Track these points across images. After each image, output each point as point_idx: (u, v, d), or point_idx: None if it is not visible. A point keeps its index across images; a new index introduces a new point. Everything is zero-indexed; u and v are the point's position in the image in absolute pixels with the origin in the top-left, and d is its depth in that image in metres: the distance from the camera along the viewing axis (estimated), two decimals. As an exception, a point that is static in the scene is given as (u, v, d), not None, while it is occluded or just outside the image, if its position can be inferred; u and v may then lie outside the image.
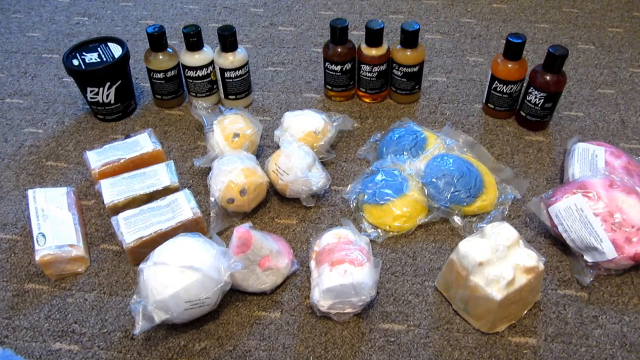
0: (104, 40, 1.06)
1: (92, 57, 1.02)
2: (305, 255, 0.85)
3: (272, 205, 0.92)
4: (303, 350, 0.74)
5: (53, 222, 0.83)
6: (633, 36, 1.28)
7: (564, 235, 0.81)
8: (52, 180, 0.97)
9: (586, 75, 1.17)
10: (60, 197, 0.88)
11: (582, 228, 0.79)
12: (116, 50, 1.04)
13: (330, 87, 1.10)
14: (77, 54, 1.03)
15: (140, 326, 0.69)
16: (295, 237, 0.87)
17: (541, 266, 0.72)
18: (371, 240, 0.85)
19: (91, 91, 1.02)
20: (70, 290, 0.81)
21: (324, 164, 0.96)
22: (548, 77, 0.96)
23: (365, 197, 0.88)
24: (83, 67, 1.00)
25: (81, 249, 0.82)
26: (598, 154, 0.90)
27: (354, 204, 0.90)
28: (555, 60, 0.95)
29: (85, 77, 1.01)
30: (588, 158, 0.90)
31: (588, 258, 0.80)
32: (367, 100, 1.11)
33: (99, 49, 1.04)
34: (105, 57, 1.02)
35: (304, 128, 0.94)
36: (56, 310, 0.78)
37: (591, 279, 0.80)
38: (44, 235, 0.81)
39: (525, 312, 0.77)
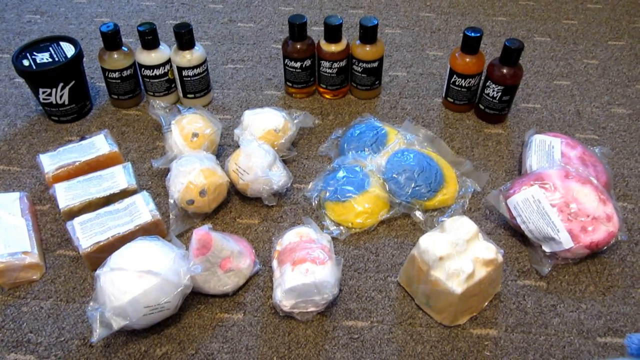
0: (56, 40, 1.03)
1: (43, 57, 0.99)
2: (267, 255, 0.84)
3: (234, 205, 0.91)
4: (267, 351, 0.73)
5: (5, 229, 0.80)
6: (587, 28, 1.31)
7: (523, 226, 0.82)
8: (5, 185, 0.94)
9: (542, 67, 1.19)
10: (12, 203, 0.85)
11: (539, 219, 0.80)
12: (69, 50, 1.00)
13: (290, 84, 1.09)
14: (28, 54, 0.99)
15: (97, 334, 0.68)
16: (258, 236, 0.86)
17: (500, 258, 0.73)
18: (334, 238, 0.85)
19: (43, 92, 0.99)
20: (25, 298, 0.78)
21: (285, 162, 0.95)
22: (505, 70, 0.98)
23: (327, 194, 0.88)
24: (34, 67, 0.97)
25: (35, 255, 0.80)
26: (554, 145, 0.91)
27: (316, 202, 0.90)
28: (511, 54, 0.96)
29: (37, 78, 0.98)
30: (545, 149, 0.91)
31: (546, 248, 0.81)
32: (328, 96, 1.11)
33: (50, 48, 1.01)
34: (57, 56, 0.99)
35: (264, 126, 0.93)
36: (10, 320, 0.76)
37: (549, 269, 0.81)
38: (-5, 243, 0.78)
39: (486, 304, 0.78)
